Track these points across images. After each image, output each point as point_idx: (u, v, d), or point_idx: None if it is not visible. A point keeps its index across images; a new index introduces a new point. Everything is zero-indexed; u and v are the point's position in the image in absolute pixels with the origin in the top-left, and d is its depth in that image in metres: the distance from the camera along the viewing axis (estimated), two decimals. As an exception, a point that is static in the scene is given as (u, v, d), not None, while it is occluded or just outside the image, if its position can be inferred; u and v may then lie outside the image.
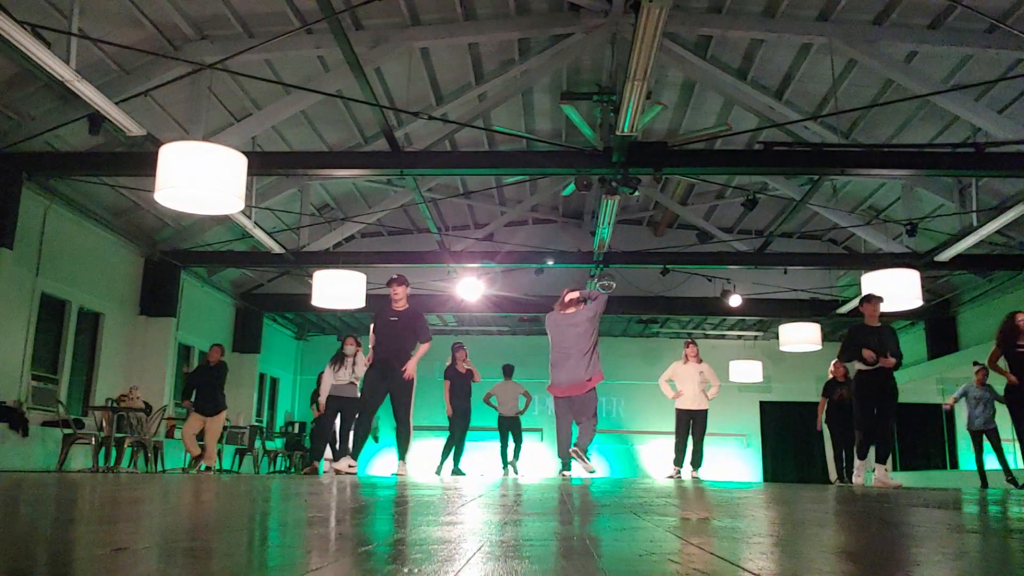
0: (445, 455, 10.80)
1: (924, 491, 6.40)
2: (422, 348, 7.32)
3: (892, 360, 7.42)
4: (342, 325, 17.07)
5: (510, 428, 11.55)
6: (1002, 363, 7.67)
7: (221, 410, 9.69)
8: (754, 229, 14.13)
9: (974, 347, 13.06)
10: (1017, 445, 10.14)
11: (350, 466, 7.46)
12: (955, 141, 9.35)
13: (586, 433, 7.29)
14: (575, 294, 7.44)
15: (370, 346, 7.40)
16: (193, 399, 9.73)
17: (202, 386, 9.75)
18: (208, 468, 9.85)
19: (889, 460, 7.71)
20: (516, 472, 11.45)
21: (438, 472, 10.65)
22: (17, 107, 8.33)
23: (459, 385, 10.60)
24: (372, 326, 7.50)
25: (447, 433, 10.79)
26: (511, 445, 11.59)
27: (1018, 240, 11.53)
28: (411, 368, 7.16)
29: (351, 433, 7.97)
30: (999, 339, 7.63)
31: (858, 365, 7.65)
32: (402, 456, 7.37)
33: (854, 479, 7.90)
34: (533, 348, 16.88)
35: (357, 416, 7.67)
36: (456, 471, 10.58)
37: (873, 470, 7.78)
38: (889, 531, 2.35)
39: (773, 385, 17.16)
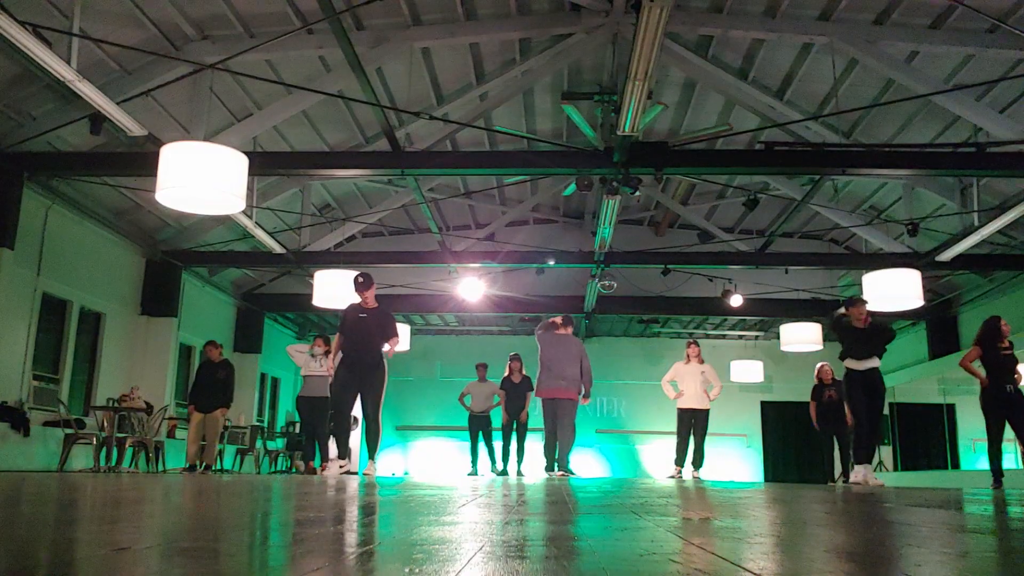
0: (506, 458, 11.19)
1: (925, 491, 6.40)
2: (391, 345, 7.36)
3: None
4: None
5: (480, 427, 11.57)
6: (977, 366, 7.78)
7: (218, 407, 9.65)
8: (755, 229, 14.12)
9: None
10: (1017, 446, 10.10)
11: (340, 467, 7.46)
12: (956, 141, 9.34)
13: (565, 445, 8.46)
14: (558, 318, 8.81)
15: (333, 349, 7.49)
16: (195, 397, 9.75)
17: (201, 384, 9.76)
18: (207, 467, 9.85)
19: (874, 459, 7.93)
20: (494, 471, 11.39)
21: (504, 473, 10.99)
22: (18, 107, 8.33)
23: (515, 394, 11.09)
24: (340, 327, 7.58)
25: (499, 435, 11.35)
26: (483, 447, 11.64)
27: (1020, 240, 11.52)
28: (393, 350, 7.30)
29: (333, 436, 7.98)
30: (980, 340, 7.74)
31: (847, 364, 7.74)
32: (372, 455, 7.38)
33: (857, 478, 7.85)
34: (534, 348, 16.88)
35: (334, 417, 7.67)
36: (519, 472, 10.87)
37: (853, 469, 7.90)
38: (890, 531, 2.35)
39: (774, 385, 17.15)
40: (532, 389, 11.03)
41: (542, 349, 8.64)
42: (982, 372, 7.62)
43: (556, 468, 8.49)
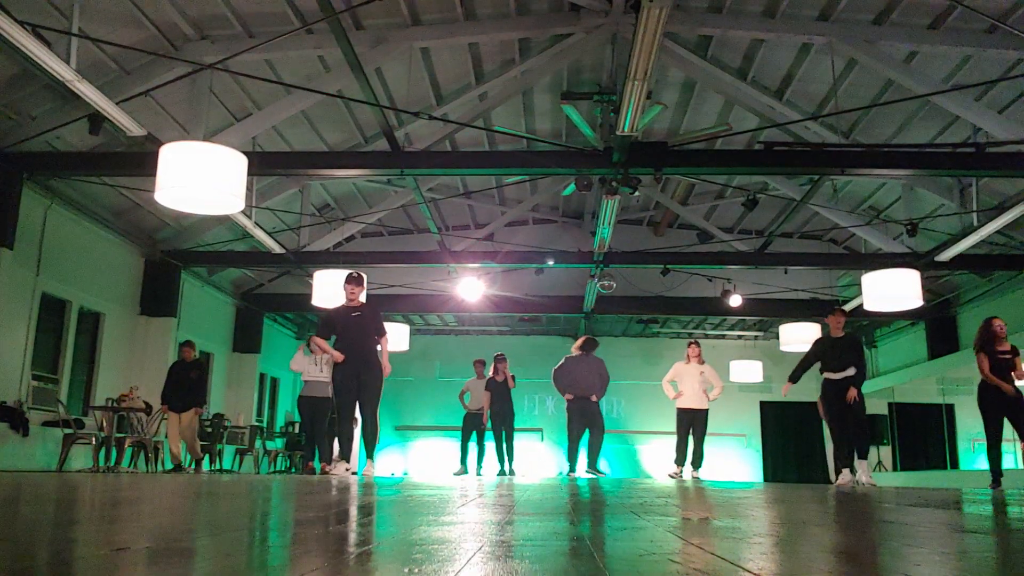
0: (500, 459, 11.12)
1: (924, 491, 6.40)
2: (384, 343, 7.44)
3: (854, 392, 7.90)
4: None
5: (476, 426, 11.52)
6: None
7: (190, 407, 9.60)
8: (754, 229, 14.12)
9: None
10: (1018, 446, 10.13)
11: (346, 469, 7.46)
12: (955, 141, 9.34)
13: (596, 445, 9.54)
14: (580, 342, 10.00)
15: (313, 347, 7.58)
16: (167, 396, 9.67)
17: (174, 383, 9.70)
18: (198, 466, 9.83)
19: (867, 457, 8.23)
20: (479, 474, 11.34)
21: (501, 474, 10.96)
22: (18, 107, 8.33)
23: (499, 392, 11.05)
24: (320, 328, 7.64)
25: (491, 436, 11.26)
26: (473, 446, 11.56)
27: (1018, 240, 11.52)
28: (387, 367, 7.35)
29: (337, 437, 7.99)
30: (980, 345, 7.68)
31: (824, 375, 8.19)
32: (370, 454, 7.38)
33: (840, 480, 8.16)
34: (533, 348, 16.92)
35: (338, 419, 7.67)
36: (510, 471, 10.85)
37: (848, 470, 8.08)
38: (889, 531, 2.35)
39: (774, 385, 17.13)
40: (515, 387, 11.13)
41: (566, 369, 9.81)
42: (994, 377, 7.64)
43: (585, 468, 9.56)
